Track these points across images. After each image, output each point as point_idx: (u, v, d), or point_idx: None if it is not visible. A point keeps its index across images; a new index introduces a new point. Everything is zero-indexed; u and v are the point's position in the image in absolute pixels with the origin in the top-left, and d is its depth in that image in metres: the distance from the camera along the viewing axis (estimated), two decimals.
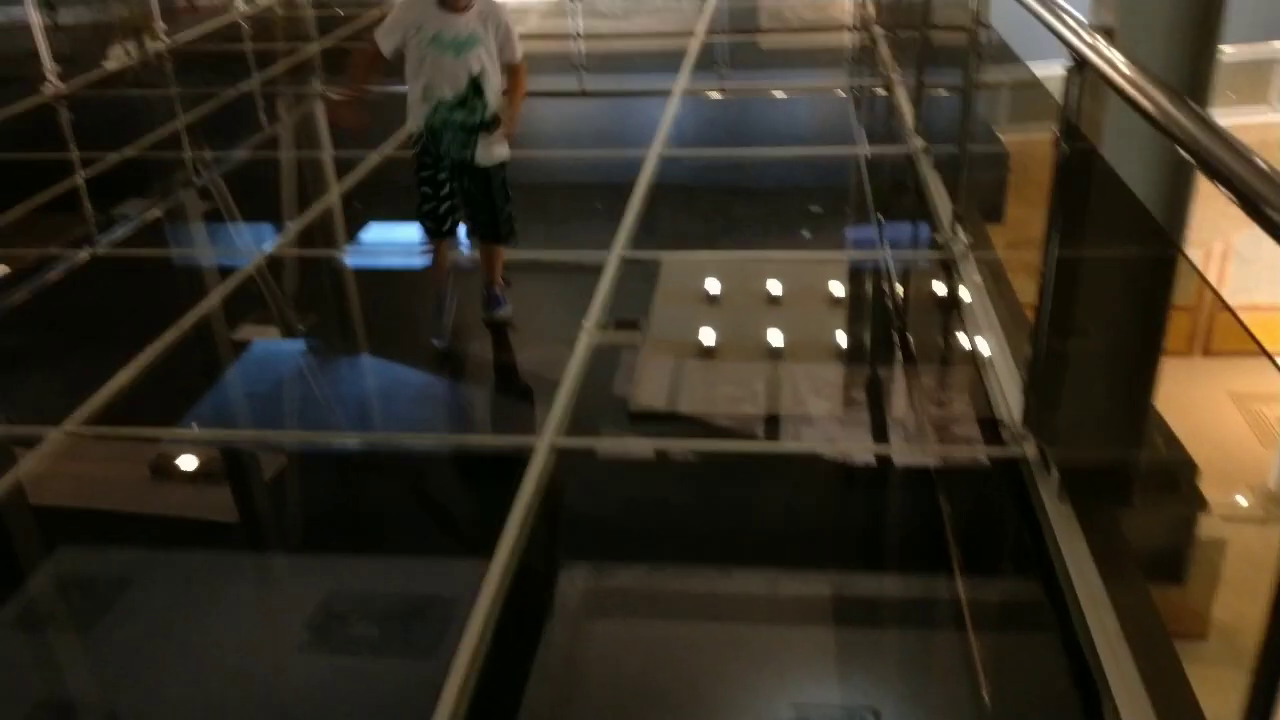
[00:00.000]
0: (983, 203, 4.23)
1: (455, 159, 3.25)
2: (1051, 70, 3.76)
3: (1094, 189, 2.49)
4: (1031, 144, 4.42)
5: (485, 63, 3.13)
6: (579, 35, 8.21)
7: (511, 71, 3.24)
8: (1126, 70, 2.14)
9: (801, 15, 8.32)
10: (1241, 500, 3.30)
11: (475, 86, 3.13)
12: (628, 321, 3.59)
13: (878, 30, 6.85)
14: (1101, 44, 2.27)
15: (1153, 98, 1.99)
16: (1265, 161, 1.48)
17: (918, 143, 4.84)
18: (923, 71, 5.14)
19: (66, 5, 7.62)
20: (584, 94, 6.66)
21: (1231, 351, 2.19)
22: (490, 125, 3.20)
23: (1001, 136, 4.48)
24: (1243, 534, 2.92)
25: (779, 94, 6.26)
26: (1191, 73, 2.29)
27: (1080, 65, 2.31)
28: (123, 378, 3.19)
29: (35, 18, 6.47)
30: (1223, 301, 2.26)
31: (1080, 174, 2.46)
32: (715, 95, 6.29)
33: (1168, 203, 2.41)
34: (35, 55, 6.38)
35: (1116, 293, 2.51)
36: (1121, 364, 2.53)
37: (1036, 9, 2.52)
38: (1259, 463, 6.42)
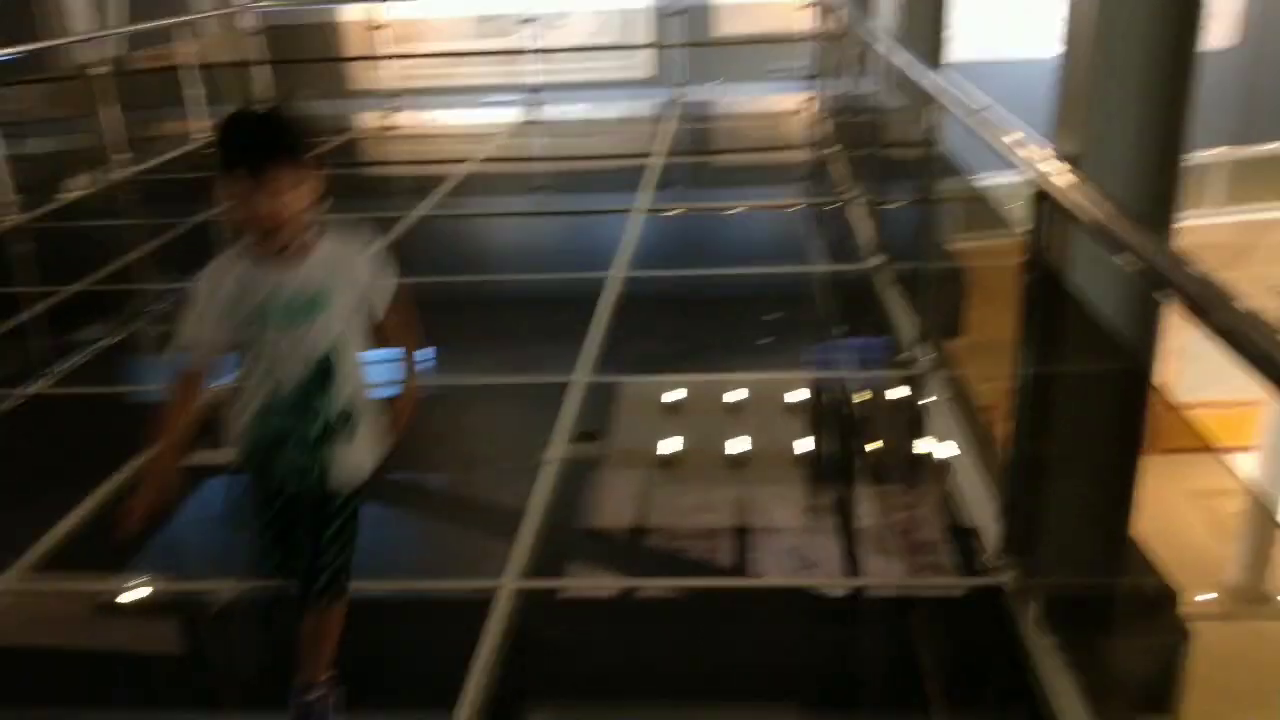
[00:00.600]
0: (942, 317, 4.24)
1: (294, 489, 2.07)
2: (1003, 178, 3.85)
3: (1062, 314, 2.48)
4: (986, 253, 4.48)
5: (339, 333, 1.98)
6: (538, 157, 8.32)
7: (386, 334, 2.11)
8: (1088, 201, 2.16)
9: (757, 135, 8.50)
10: (1211, 600, 3.26)
11: (322, 373, 1.98)
12: (591, 448, 3.51)
13: (833, 149, 6.98)
14: (1065, 173, 2.29)
15: (1114, 225, 2.01)
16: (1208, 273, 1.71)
17: (875, 259, 4.88)
18: (878, 189, 5.22)
19: (33, 134, 7.62)
20: (544, 214, 6.70)
21: (1185, 449, 2.23)
22: (346, 426, 2.03)
23: (956, 248, 4.53)
24: (1221, 638, 2.86)
25: (737, 212, 6.33)
26: (1157, 189, 2.31)
27: (1043, 195, 2.32)
28: (69, 522, 3.06)
29: None
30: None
31: (1047, 300, 2.45)
32: (675, 214, 6.34)
33: (1137, 320, 2.39)
34: None
35: (1089, 417, 2.49)
36: (1098, 489, 2.48)
37: (1000, 142, 2.55)
38: (1219, 560, 6.36)
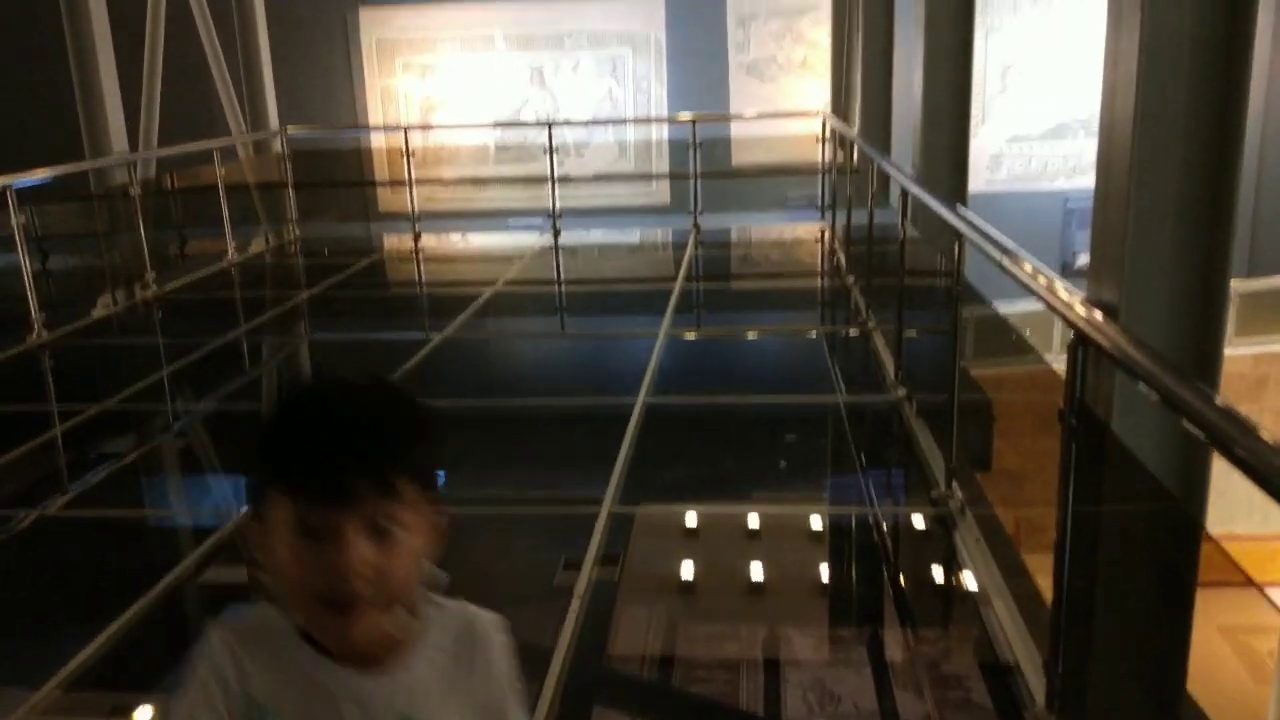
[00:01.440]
0: (970, 450, 4.18)
1: None
2: (1022, 307, 3.83)
3: (1103, 459, 2.42)
4: (1013, 383, 4.45)
5: None
6: (561, 280, 8.39)
7: None
8: (1129, 348, 2.12)
9: (775, 262, 8.58)
10: None
11: None
12: (617, 579, 3.42)
13: (851, 277, 7.02)
14: (1103, 322, 2.26)
15: (1153, 374, 1.97)
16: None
17: (900, 391, 4.84)
18: (899, 319, 5.21)
19: (58, 251, 7.70)
20: (568, 336, 6.72)
21: (1216, 583, 2.14)
22: None
23: (981, 377, 4.50)
24: None
25: (759, 338, 6.34)
26: (1199, 346, 2.28)
27: (1083, 342, 2.30)
28: (87, 653, 2.96)
29: (25, 263, 6.48)
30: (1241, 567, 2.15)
31: (1088, 445, 2.40)
32: (697, 338, 6.34)
33: (1181, 467, 2.33)
34: (24, 301, 6.38)
35: (1138, 564, 2.41)
36: (1149, 640, 2.39)
37: (1036, 289, 2.53)
38: (1258, 701, 6.13)
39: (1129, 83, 2.17)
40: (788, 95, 13.84)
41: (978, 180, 13.41)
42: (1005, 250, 3.16)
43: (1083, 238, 13.77)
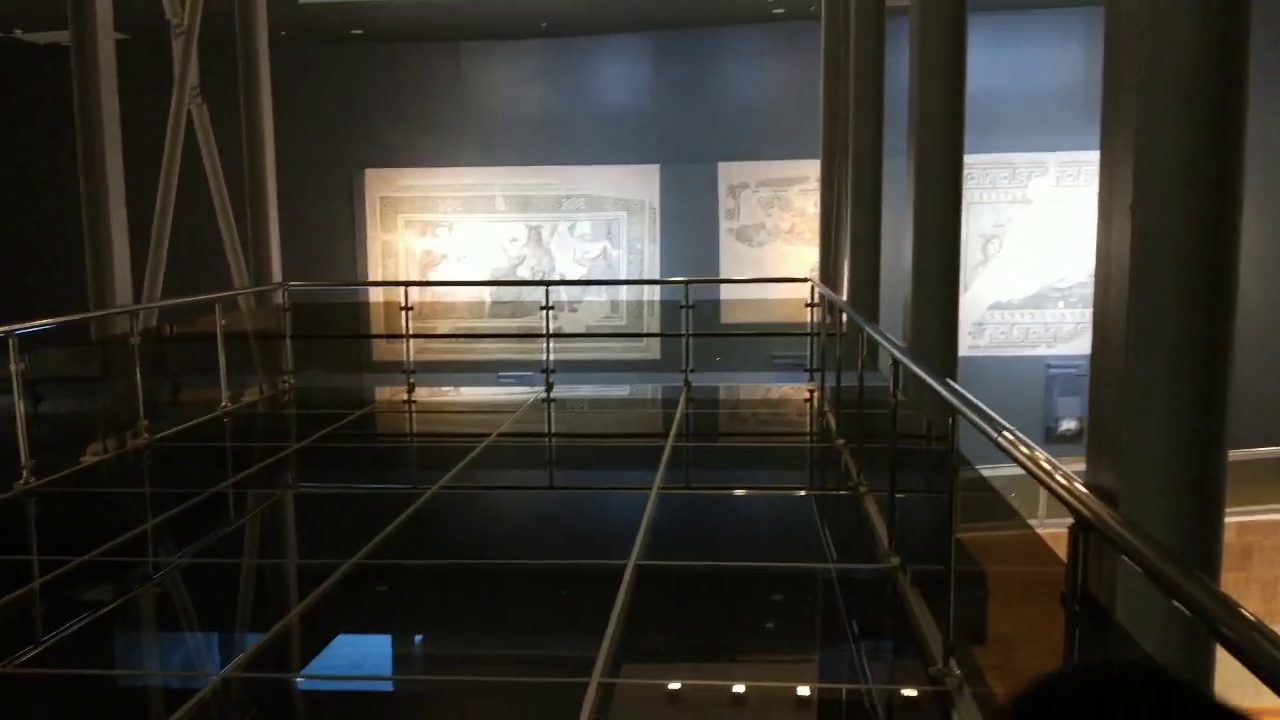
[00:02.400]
0: (965, 622, 4.07)
1: None
2: (1006, 471, 3.78)
3: (1105, 644, 2.35)
4: (997, 545, 4.37)
5: None
6: (553, 433, 8.35)
7: None
8: (1131, 536, 2.08)
9: (764, 421, 8.58)
10: None
11: None
12: None
13: (840, 439, 7.00)
14: (1104, 509, 2.23)
15: (1155, 563, 1.93)
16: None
17: (894, 560, 4.75)
18: (891, 483, 5.16)
19: (56, 396, 7.63)
20: (560, 489, 6.63)
21: None
22: None
23: (968, 539, 4.42)
24: None
25: (750, 498, 6.26)
26: (1198, 529, 2.23)
27: (1085, 528, 2.25)
28: None
29: (20, 409, 6.41)
30: None
31: (1090, 630, 2.33)
32: (688, 497, 6.26)
33: (1185, 646, 2.26)
34: (15, 447, 6.29)
35: None
36: None
37: (1037, 472, 2.50)
38: None
39: (1122, 273, 2.20)
40: (775, 260, 14.18)
41: (961, 345, 13.62)
42: (1001, 428, 3.15)
43: (1065, 403, 13.93)
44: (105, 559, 5.07)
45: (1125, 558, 2.17)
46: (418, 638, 4.68)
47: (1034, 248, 13.73)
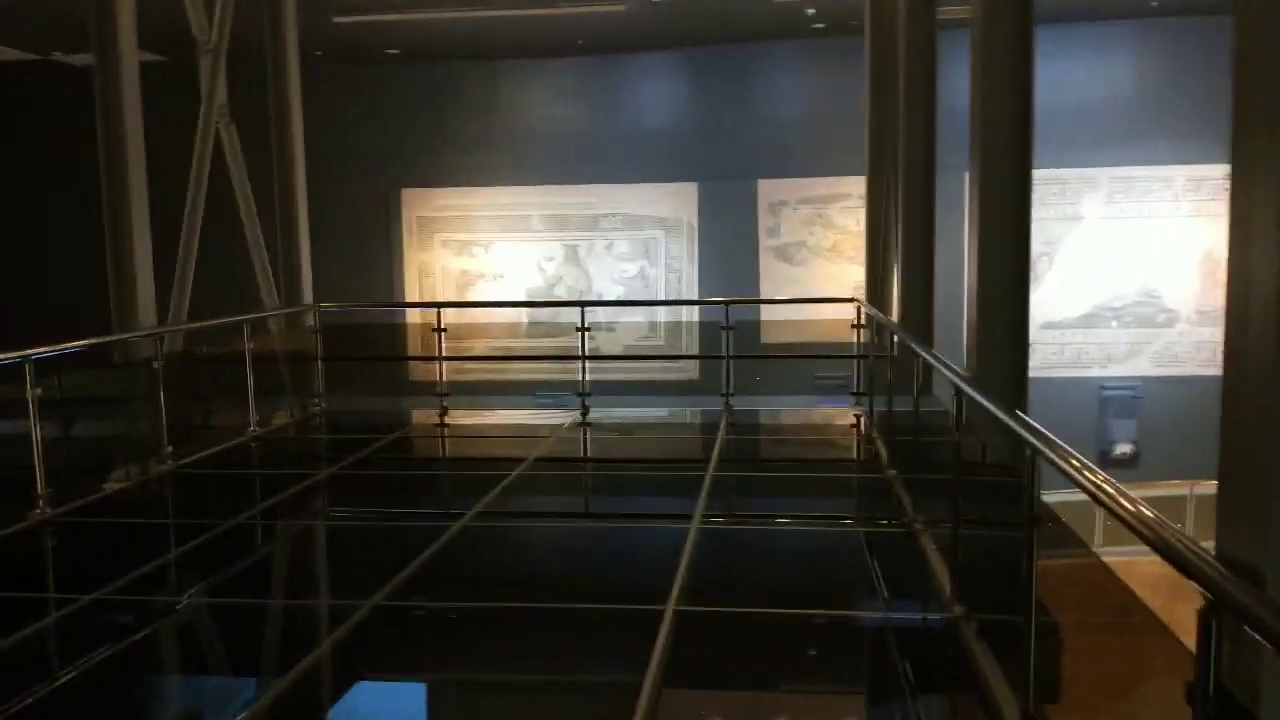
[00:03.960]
0: (1039, 679, 3.63)
1: None
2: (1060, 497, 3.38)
3: None
4: (1051, 575, 3.93)
5: None
6: (589, 458, 7.97)
7: None
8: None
9: (809, 449, 8.14)
10: None
11: None
12: None
13: (891, 470, 6.55)
14: (1245, 590, 1.80)
15: None
16: None
17: (958, 609, 4.31)
18: (951, 522, 4.72)
19: (79, 420, 7.37)
20: (597, 519, 6.24)
21: None
22: None
23: (1054, 599, 3.97)
24: None
25: (795, 534, 5.83)
26: None
27: (1219, 609, 1.83)
28: None
29: (36, 436, 6.13)
30: None
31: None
32: (729, 532, 5.84)
33: None
34: (31, 475, 6.01)
35: None
36: None
37: (1147, 534, 2.07)
38: None
39: (1269, 299, 1.78)
40: (816, 278, 13.75)
41: None
42: (1089, 472, 2.72)
43: (1120, 426, 13.31)
44: (119, 596, 4.75)
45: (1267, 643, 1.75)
46: (441, 686, 4.31)
47: (1086, 266, 13.20)
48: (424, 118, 14.12)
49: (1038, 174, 14.18)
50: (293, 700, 3.81)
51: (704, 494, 6.28)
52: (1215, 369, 13.28)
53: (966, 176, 4.75)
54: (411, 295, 14.18)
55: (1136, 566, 3.17)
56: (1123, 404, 12.96)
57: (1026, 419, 3.25)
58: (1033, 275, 13.54)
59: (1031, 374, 13.91)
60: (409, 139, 14.18)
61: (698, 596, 4.66)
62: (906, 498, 5.83)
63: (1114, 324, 13.13)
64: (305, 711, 3.84)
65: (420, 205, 14.31)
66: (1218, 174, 12.99)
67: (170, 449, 6.94)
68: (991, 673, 3.77)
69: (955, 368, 4.38)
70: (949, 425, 5.22)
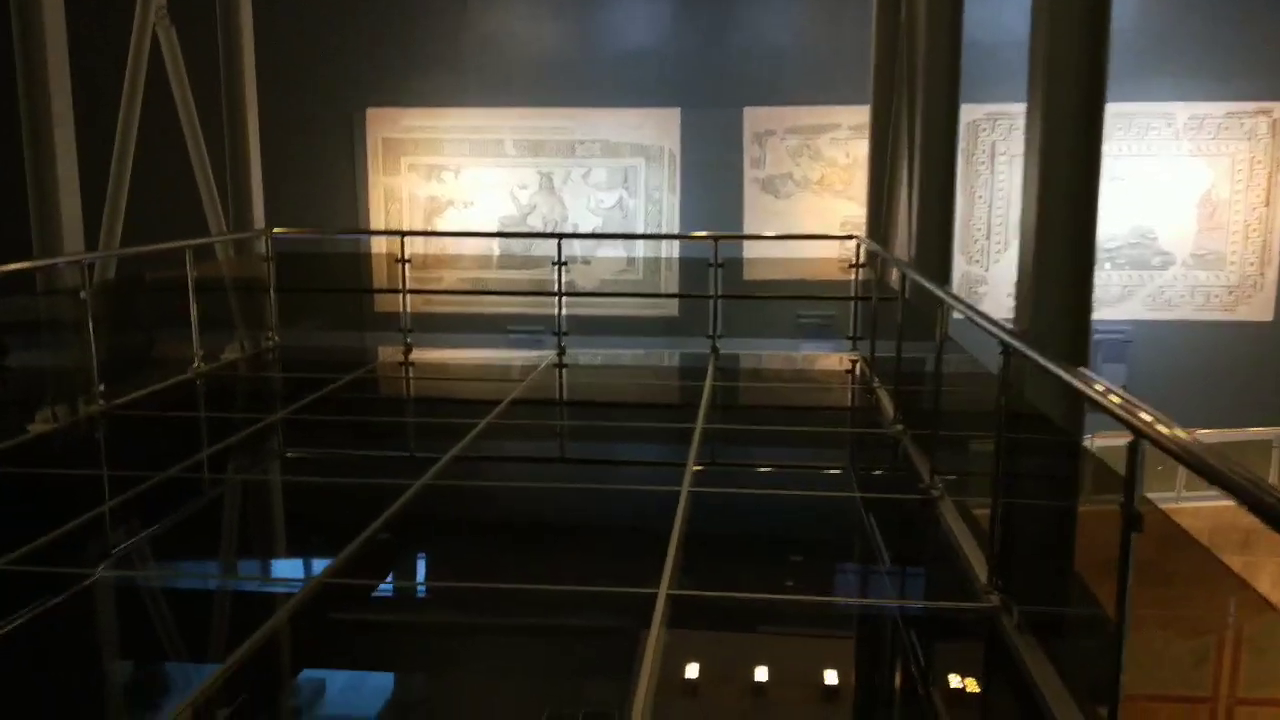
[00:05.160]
0: (1091, 681, 3.06)
1: None
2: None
3: None
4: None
5: None
6: (563, 413, 7.31)
7: None
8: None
9: (805, 398, 7.51)
10: None
11: None
12: None
13: (899, 424, 5.92)
14: None
15: None
16: None
17: (994, 597, 3.71)
18: (982, 491, 4.11)
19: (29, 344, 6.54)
20: (574, 486, 5.58)
21: None
22: None
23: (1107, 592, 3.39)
24: None
25: (796, 500, 5.20)
26: None
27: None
28: None
29: None
30: None
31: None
32: (722, 500, 5.20)
33: None
34: None
35: None
36: None
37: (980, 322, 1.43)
38: None
39: None
40: (803, 213, 13.02)
41: (1000, 308, 12.51)
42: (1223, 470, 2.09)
43: (1110, 370, 12.79)
44: (25, 565, 4.05)
45: None
46: (386, 681, 3.69)
47: None
48: (391, 33, 13.11)
49: (1019, 108, 13.50)
50: (225, 691, 3.17)
51: (693, 456, 5.63)
52: (1210, 314, 12.78)
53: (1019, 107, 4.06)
54: (376, 222, 13.31)
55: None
56: (1112, 348, 12.46)
57: (1128, 396, 2.59)
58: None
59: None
60: (375, 55, 13.18)
61: (692, 579, 4.04)
62: (918, 459, 5.21)
63: (1107, 265, 12.54)
64: (237, 699, 3.20)
65: (386, 126, 13.36)
66: (1219, 112, 12.35)
67: (102, 387, 6.18)
68: (1039, 673, 3.18)
69: (998, 321, 3.72)
70: (975, 376, 4.59)
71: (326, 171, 13.33)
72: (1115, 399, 2.55)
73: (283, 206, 12.02)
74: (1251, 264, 12.65)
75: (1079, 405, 3.45)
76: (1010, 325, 3.75)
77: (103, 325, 6.27)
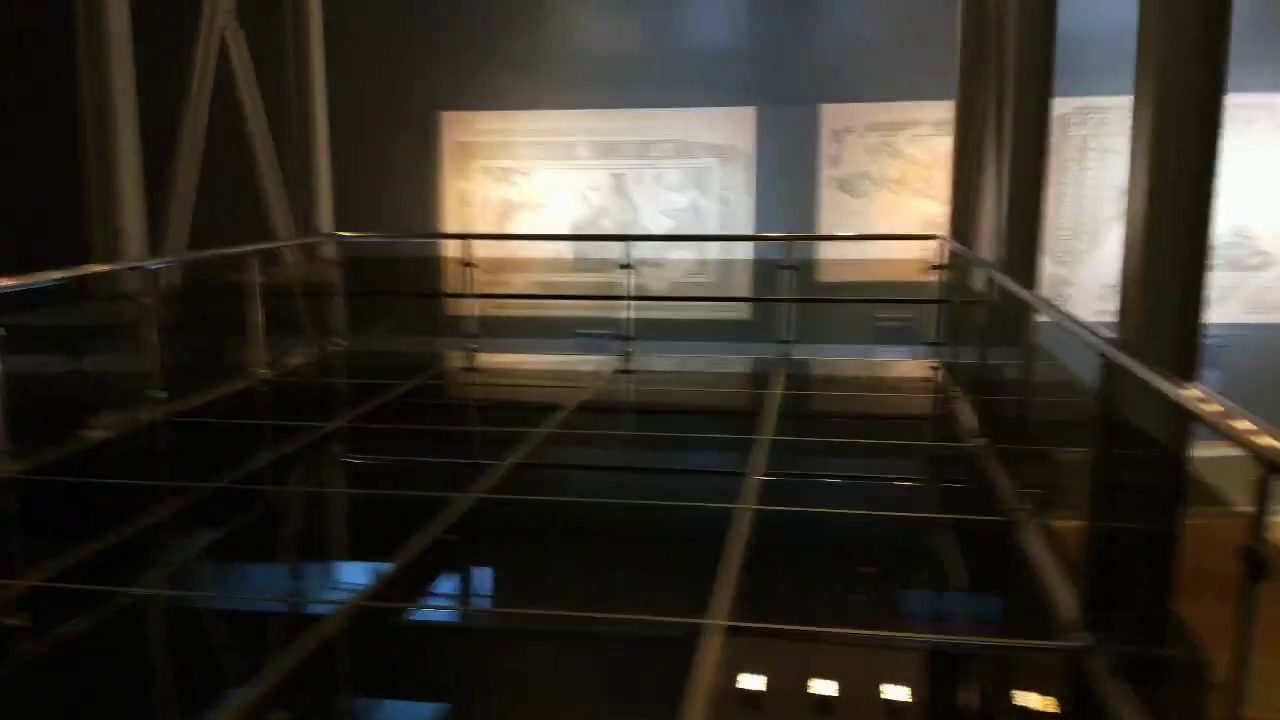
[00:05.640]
0: None
1: None
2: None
3: None
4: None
5: None
6: (624, 427, 7.03)
7: None
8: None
9: (882, 409, 7.08)
10: None
11: None
12: None
13: (980, 440, 5.50)
14: None
15: None
16: None
17: (1084, 637, 3.32)
18: (1072, 516, 3.72)
19: (52, 358, 6.48)
20: (639, 502, 5.30)
21: None
22: None
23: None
24: None
25: (873, 521, 4.83)
26: None
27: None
28: None
29: None
30: None
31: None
32: (792, 523, 4.86)
33: None
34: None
35: None
36: None
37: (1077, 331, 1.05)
38: None
39: None
40: (881, 212, 12.54)
41: (1089, 311, 11.87)
42: None
43: (1210, 377, 12.04)
44: (61, 583, 3.92)
45: None
46: (430, 700, 3.45)
47: None
48: (465, 36, 13.01)
49: (1110, 101, 12.75)
50: (289, 697, 2.96)
51: (762, 457, 5.30)
52: None
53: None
54: (450, 225, 13.22)
55: None
56: (1207, 353, 11.70)
57: (1257, 420, 2.21)
58: (1118, 211, 12.27)
59: (1110, 318, 12.66)
60: (448, 59, 13.10)
61: (752, 609, 3.72)
62: (1003, 478, 4.80)
63: (1220, 263, 11.79)
64: (308, 707, 2.99)
65: (460, 129, 13.27)
66: None
67: (164, 394, 6.11)
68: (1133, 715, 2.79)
69: (1099, 329, 3.33)
70: (1065, 386, 4.20)
71: (401, 175, 13.29)
72: (1241, 424, 2.17)
73: (358, 210, 12.01)
74: None
75: (1187, 423, 3.05)
76: (1109, 334, 3.35)
77: (167, 331, 6.20)
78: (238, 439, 6.14)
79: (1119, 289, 3.60)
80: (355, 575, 4.39)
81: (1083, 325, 3.34)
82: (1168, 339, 3.27)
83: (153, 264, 6.19)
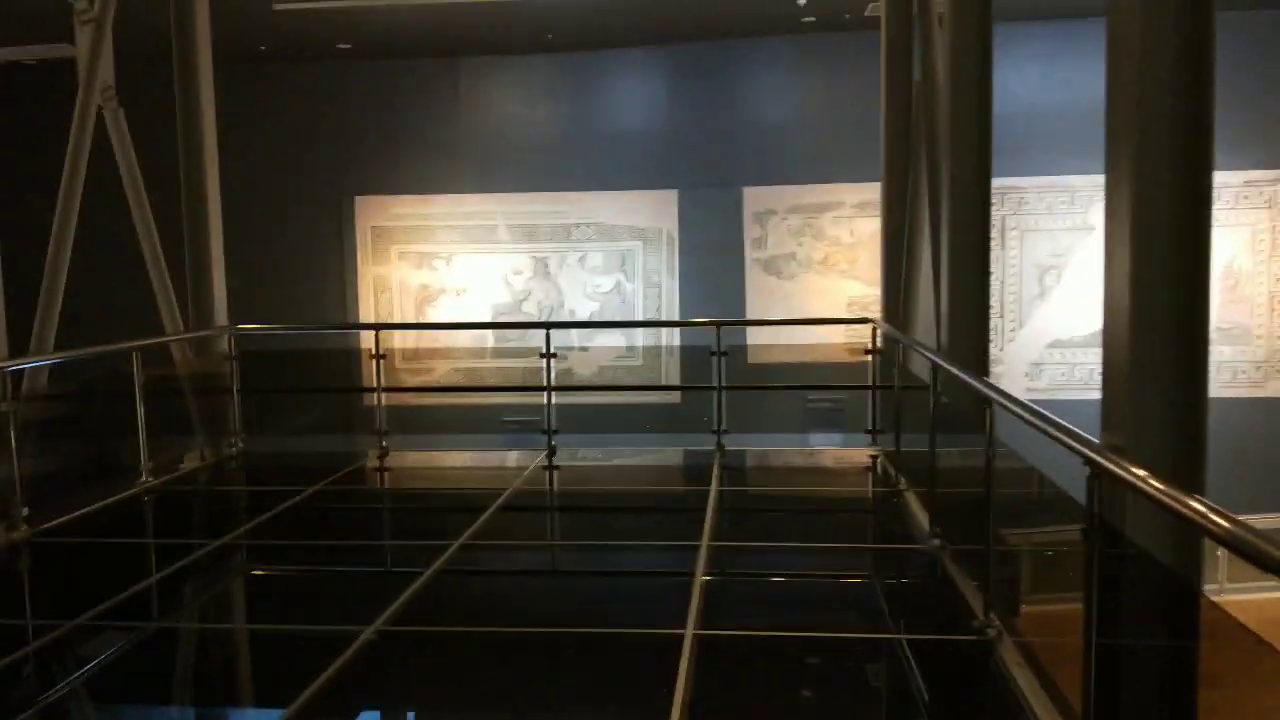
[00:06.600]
0: None
1: None
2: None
3: None
4: None
5: None
6: (550, 534, 6.42)
7: None
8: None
9: (826, 507, 6.58)
10: None
11: None
12: None
13: (934, 542, 5.01)
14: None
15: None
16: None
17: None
18: (1093, 673, 3.21)
19: None
20: (564, 627, 4.66)
21: None
22: None
23: None
24: None
25: (825, 656, 4.28)
26: None
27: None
28: None
29: None
30: None
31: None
32: (738, 650, 4.28)
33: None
34: None
35: None
36: None
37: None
38: None
39: None
40: (807, 294, 12.27)
41: (1017, 387, 11.65)
42: None
43: None
44: None
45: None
46: None
47: (1097, 279, 11.79)
48: (379, 120, 12.57)
49: (1044, 180, 12.71)
50: None
51: (698, 589, 4.73)
52: (1236, 390, 11.90)
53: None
54: (367, 312, 12.60)
55: None
56: None
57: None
58: (1039, 289, 12.14)
59: (1040, 396, 12.42)
60: (363, 143, 12.62)
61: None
62: (974, 590, 4.29)
63: None
64: None
65: (375, 214, 12.73)
66: (1238, 181, 11.65)
67: (25, 511, 5.32)
68: None
69: (1085, 435, 2.87)
70: (1025, 481, 3.76)
71: (315, 262, 12.67)
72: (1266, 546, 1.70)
73: (267, 301, 11.31)
74: (1279, 337, 11.83)
75: (1198, 541, 2.60)
76: (1090, 437, 2.89)
77: (30, 439, 5.44)
78: (109, 560, 5.36)
79: (1103, 386, 3.17)
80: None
81: (1067, 430, 2.88)
82: (1164, 442, 2.83)
83: (11, 365, 5.44)
